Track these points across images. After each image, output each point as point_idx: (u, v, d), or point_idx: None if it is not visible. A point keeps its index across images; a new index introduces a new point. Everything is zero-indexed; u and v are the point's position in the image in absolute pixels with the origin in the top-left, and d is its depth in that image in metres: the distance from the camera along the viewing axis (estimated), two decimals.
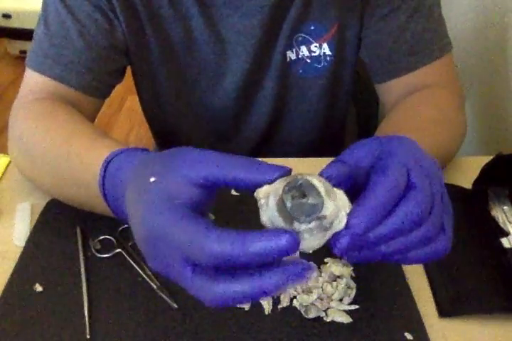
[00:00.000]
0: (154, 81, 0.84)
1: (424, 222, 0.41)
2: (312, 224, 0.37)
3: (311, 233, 0.37)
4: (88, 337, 0.53)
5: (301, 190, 0.37)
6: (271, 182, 0.39)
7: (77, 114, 0.68)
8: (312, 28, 0.79)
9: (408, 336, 0.53)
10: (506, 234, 0.63)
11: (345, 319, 0.54)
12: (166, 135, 0.96)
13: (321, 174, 0.41)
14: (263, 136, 0.91)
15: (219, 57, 0.80)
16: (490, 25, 1.10)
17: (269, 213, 0.37)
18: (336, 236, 0.39)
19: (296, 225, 0.37)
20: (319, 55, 0.81)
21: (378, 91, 0.86)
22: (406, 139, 0.46)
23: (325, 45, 0.80)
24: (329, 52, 0.81)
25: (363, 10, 0.78)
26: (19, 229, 0.64)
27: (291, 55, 0.81)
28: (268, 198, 0.38)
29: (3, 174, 0.72)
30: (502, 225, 0.64)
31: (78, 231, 0.63)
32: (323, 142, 0.95)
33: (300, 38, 0.79)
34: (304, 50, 0.80)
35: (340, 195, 0.39)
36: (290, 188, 0.37)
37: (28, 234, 0.64)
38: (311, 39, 0.80)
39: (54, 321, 0.54)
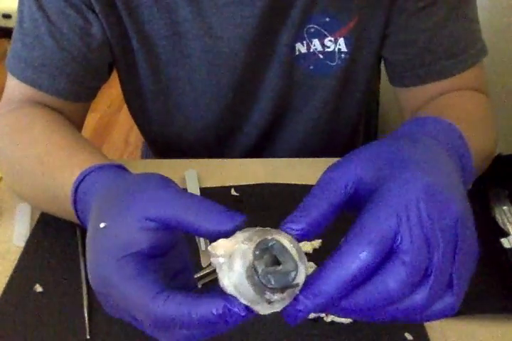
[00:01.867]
0: (137, 78, 0.76)
1: (414, 290, 0.34)
2: (285, 294, 0.33)
3: (282, 302, 0.34)
4: (88, 337, 0.53)
5: (272, 254, 0.34)
6: (227, 234, 0.35)
7: (55, 122, 0.64)
8: (327, 19, 0.70)
9: (408, 336, 0.53)
10: (506, 234, 0.63)
11: (345, 319, 0.54)
12: (157, 137, 0.87)
13: (285, 229, 0.36)
14: (264, 134, 0.84)
15: (212, 55, 0.72)
16: (490, 25, 1.10)
17: (234, 279, 0.33)
18: (289, 309, 0.34)
19: (269, 295, 0.33)
20: (333, 52, 0.72)
21: (400, 95, 0.78)
22: (421, 146, 0.40)
23: (341, 41, 0.72)
24: (345, 49, 0.72)
25: (392, 3, 0.69)
26: (19, 229, 0.64)
27: (301, 48, 0.72)
28: (232, 260, 0.33)
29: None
30: (502, 225, 0.64)
31: (78, 231, 0.63)
32: (331, 145, 0.87)
33: (312, 30, 0.71)
34: (316, 44, 0.72)
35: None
36: (261, 252, 0.33)
37: (28, 234, 0.64)
38: (325, 32, 0.71)
39: (54, 321, 0.54)
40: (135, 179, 0.42)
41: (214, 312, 0.33)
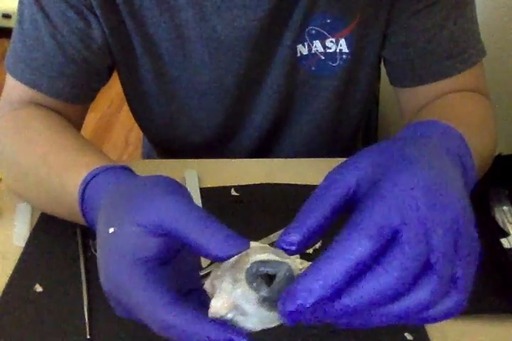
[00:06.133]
0: (140, 81, 0.76)
1: (412, 288, 0.34)
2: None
3: None
4: (88, 337, 0.53)
5: (261, 272, 0.35)
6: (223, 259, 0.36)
7: (55, 123, 0.65)
8: (328, 21, 0.70)
9: (408, 336, 0.53)
10: (506, 234, 0.63)
11: None
12: (161, 138, 0.87)
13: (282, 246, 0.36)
14: (267, 135, 0.84)
15: (215, 57, 0.72)
16: (490, 25, 1.10)
17: (256, 319, 0.35)
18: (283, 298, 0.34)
19: None
20: (335, 52, 0.73)
21: (400, 96, 0.78)
22: (421, 145, 0.40)
23: (342, 41, 0.72)
24: (346, 50, 0.72)
25: (392, 4, 0.69)
26: (19, 229, 0.64)
27: (303, 50, 0.73)
28: (241, 308, 0.34)
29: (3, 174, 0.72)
30: (502, 225, 0.64)
31: (78, 231, 0.63)
32: (334, 146, 0.87)
33: (313, 32, 0.71)
34: (317, 45, 0.72)
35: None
36: (255, 280, 0.34)
37: (28, 234, 0.64)
38: (325, 33, 0.71)
39: (54, 321, 0.54)
40: (142, 182, 0.42)
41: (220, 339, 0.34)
